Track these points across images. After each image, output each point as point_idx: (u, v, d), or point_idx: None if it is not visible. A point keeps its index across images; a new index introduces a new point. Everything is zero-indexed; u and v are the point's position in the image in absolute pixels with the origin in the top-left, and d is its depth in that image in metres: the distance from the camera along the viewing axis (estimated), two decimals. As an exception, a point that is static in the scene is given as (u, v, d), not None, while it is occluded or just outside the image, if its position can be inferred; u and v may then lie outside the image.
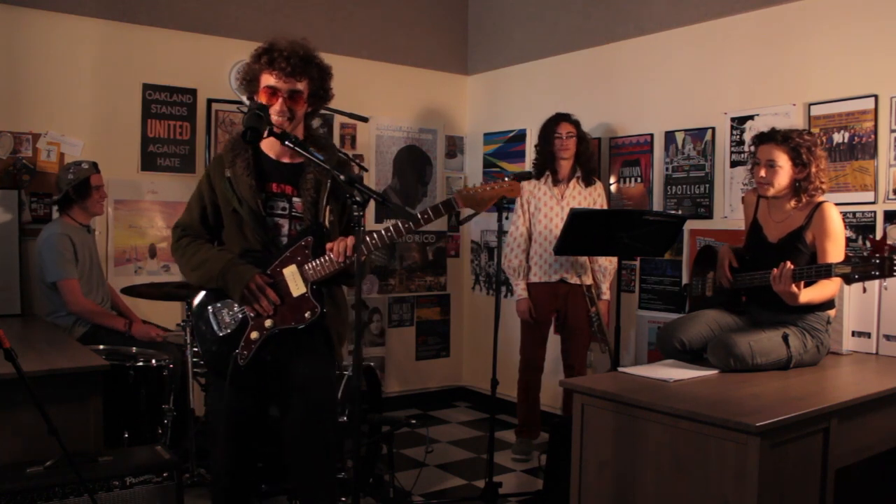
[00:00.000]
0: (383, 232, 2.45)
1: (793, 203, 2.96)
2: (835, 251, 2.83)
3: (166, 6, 4.49)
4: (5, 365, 2.20)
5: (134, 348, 3.58)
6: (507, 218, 4.20)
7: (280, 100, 2.44)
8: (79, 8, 4.24)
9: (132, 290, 3.84)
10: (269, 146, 2.56)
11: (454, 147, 5.79)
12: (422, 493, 3.74)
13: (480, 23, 5.70)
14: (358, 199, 2.30)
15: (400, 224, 2.42)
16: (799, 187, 2.92)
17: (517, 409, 4.51)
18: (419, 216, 2.43)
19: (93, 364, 2.78)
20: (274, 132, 2.38)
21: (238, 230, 2.50)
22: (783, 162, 2.90)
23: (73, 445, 2.36)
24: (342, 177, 2.33)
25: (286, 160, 2.56)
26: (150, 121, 4.48)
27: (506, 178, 2.59)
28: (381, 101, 5.32)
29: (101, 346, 3.48)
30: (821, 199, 2.95)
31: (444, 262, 5.74)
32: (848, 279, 2.62)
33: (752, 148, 3.03)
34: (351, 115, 4.20)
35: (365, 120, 4.35)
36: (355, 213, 2.31)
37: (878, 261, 2.52)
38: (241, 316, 2.47)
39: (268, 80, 2.46)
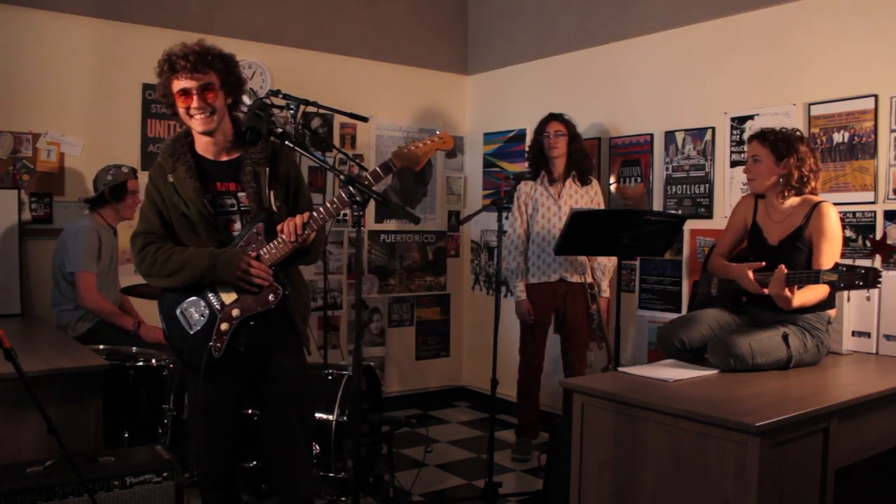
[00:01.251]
0: (328, 204, 2.45)
1: (785, 200, 2.99)
2: (829, 251, 2.84)
3: (166, 6, 4.49)
4: (5, 365, 2.20)
5: (134, 348, 3.58)
6: (506, 218, 4.20)
7: (195, 96, 2.44)
8: (79, 8, 4.24)
9: (132, 290, 3.86)
10: (203, 147, 2.56)
11: (454, 147, 5.79)
12: (422, 493, 3.75)
13: (480, 23, 5.70)
14: (358, 198, 2.30)
15: (343, 194, 2.41)
16: (785, 182, 2.97)
17: (517, 409, 4.51)
18: (367, 182, 2.42)
19: (93, 364, 2.78)
20: (274, 132, 2.39)
21: (191, 233, 2.52)
22: (763, 156, 2.99)
23: (73, 445, 2.36)
24: (343, 176, 2.34)
25: (224, 158, 2.57)
26: (150, 121, 4.48)
27: (435, 134, 2.58)
28: (381, 101, 5.32)
29: (102, 346, 3.48)
30: (819, 198, 2.96)
31: (444, 262, 5.74)
32: (834, 286, 2.67)
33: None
34: (351, 115, 4.20)
35: (365, 120, 4.36)
36: (355, 213, 2.31)
37: (863, 272, 2.58)
38: (208, 311, 2.50)
39: (177, 84, 2.45)
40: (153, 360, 3.43)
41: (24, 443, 2.56)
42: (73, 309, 3.74)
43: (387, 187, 5.41)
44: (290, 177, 2.61)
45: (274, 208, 2.53)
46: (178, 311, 2.54)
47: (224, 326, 2.48)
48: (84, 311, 3.73)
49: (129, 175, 3.86)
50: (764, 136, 3.01)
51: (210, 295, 2.51)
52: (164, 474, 2.49)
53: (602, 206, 4.41)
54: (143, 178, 4.28)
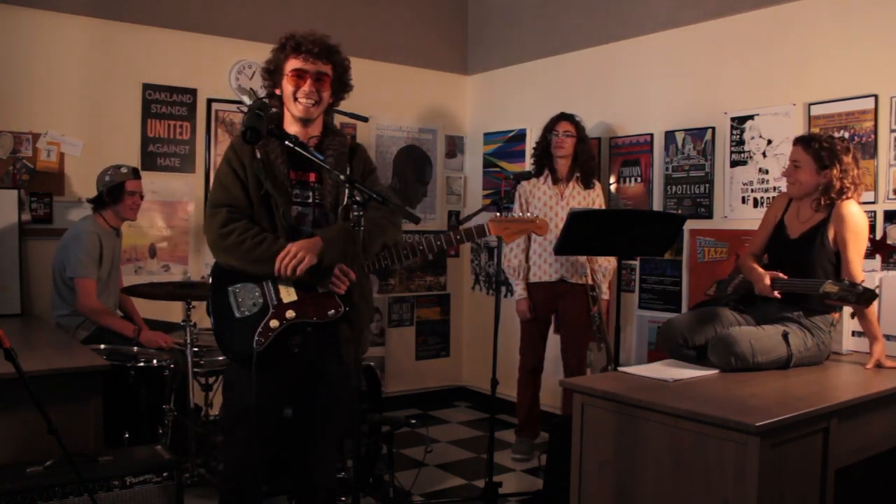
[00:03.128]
0: (425, 243, 2.49)
1: (820, 207, 2.99)
2: (856, 248, 2.87)
3: (166, 6, 4.49)
4: (5, 365, 2.20)
5: (135, 348, 3.58)
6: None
7: (308, 81, 2.41)
8: (79, 7, 4.24)
9: (132, 290, 3.84)
10: (292, 132, 2.47)
11: (454, 147, 5.79)
12: (422, 493, 3.75)
13: (480, 23, 5.70)
14: (358, 198, 2.29)
15: (427, 245, 2.49)
16: (824, 190, 2.95)
17: (517, 409, 4.51)
18: (453, 237, 2.51)
19: (93, 364, 2.79)
20: (273, 132, 2.36)
21: (265, 214, 2.43)
22: (805, 163, 2.96)
23: (73, 445, 2.35)
24: (342, 176, 2.32)
25: (310, 146, 2.50)
26: (150, 121, 4.48)
27: (537, 218, 2.70)
28: (381, 101, 5.32)
29: (102, 346, 3.48)
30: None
31: (444, 262, 5.74)
32: (829, 296, 2.71)
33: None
34: (351, 115, 4.20)
35: (365, 120, 4.35)
36: (355, 213, 2.30)
37: (861, 291, 2.64)
38: (262, 300, 2.41)
39: (294, 63, 2.42)
40: (154, 361, 3.43)
41: (24, 443, 2.56)
42: (71, 314, 3.74)
43: (387, 187, 5.41)
44: (365, 177, 2.57)
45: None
46: (230, 290, 2.42)
47: (274, 324, 2.38)
48: (83, 318, 3.72)
49: (127, 175, 3.83)
50: (808, 143, 2.96)
51: (269, 286, 2.41)
52: (164, 474, 2.49)
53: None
54: (146, 177, 4.33)
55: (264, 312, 2.40)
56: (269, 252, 2.35)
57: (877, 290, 2.71)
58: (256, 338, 2.36)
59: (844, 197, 2.94)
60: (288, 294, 2.42)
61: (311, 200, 2.48)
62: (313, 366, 2.49)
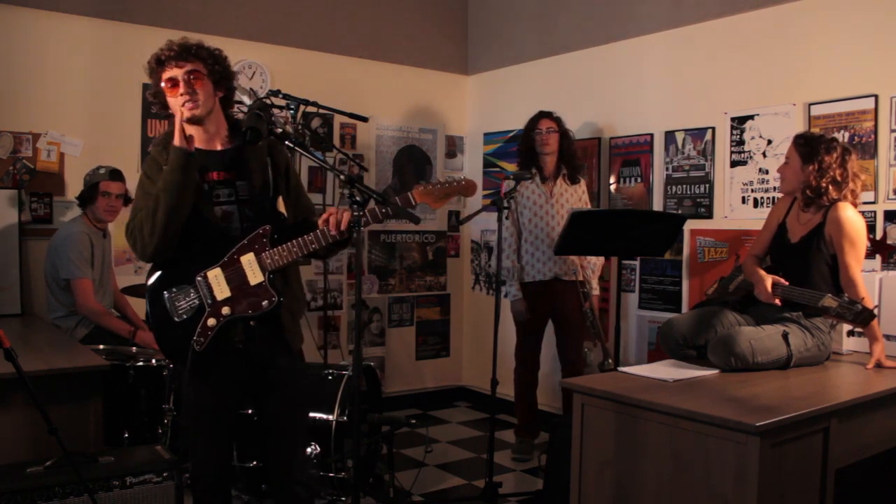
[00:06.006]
0: (378, 209, 2.42)
1: (807, 208, 2.99)
2: (854, 253, 2.87)
3: (166, 6, 4.49)
4: (5, 365, 2.20)
5: (134, 348, 3.58)
6: (506, 218, 4.20)
7: (181, 84, 2.42)
8: (79, 8, 4.24)
9: (132, 290, 3.85)
10: (196, 137, 2.50)
11: (454, 147, 5.79)
12: (422, 493, 3.75)
13: (480, 23, 5.70)
14: (358, 198, 2.29)
15: (398, 201, 2.42)
16: (804, 188, 2.96)
17: (516, 409, 4.51)
18: (387, 209, 2.42)
19: (93, 364, 2.78)
20: (273, 132, 2.37)
21: (194, 218, 2.45)
22: (792, 159, 3.01)
23: (73, 445, 2.35)
24: (342, 176, 2.33)
25: (219, 147, 2.53)
26: (150, 121, 4.48)
27: (463, 178, 2.59)
28: (381, 101, 5.32)
29: (102, 346, 3.48)
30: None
31: (444, 262, 5.74)
32: (826, 311, 2.73)
33: None
34: (351, 115, 4.20)
35: (365, 120, 4.36)
36: (355, 214, 2.31)
37: (859, 309, 2.66)
38: (197, 303, 2.45)
39: (164, 75, 2.44)
40: (153, 360, 3.43)
41: (24, 443, 2.55)
42: (66, 315, 3.73)
43: (387, 187, 5.41)
44: (289, 169, 2.58)
45: (283, 211, 2.49)
46: (165, 294, 2.47)
47: (211, 322, 2.43)
48: (80, 316, 3.72)
49: (103, 176, 3.78)
50: (796, 139, 3.01)
51: (202, 287, 2.45)
52: (164, 474, 2.49)
53: (588, 206, 4.41)
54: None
55: (201, 313, 2.44)
56: (165, 180, 2.34)
57: (875, 311, 2.74)
58: (195, 338, 2.41)
59: (826, 198, 2.92)
60: (221, 291, 2.45)
61: (233, 197, 2.49)
62: (263, 360, 2.53)
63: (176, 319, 2.46)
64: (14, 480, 2.27)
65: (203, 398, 2.50)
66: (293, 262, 2.48)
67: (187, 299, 2.46)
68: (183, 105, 2.42)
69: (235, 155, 2.51)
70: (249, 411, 3.27)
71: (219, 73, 2.50)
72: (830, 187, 2.90)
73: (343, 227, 2.39)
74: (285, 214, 2.52)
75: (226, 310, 2.43)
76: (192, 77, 2.42)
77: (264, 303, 2.43)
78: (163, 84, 2.44)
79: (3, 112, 4.05)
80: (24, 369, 2.22)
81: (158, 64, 2.44)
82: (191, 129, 2.47)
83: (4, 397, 2.52)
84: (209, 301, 2.45)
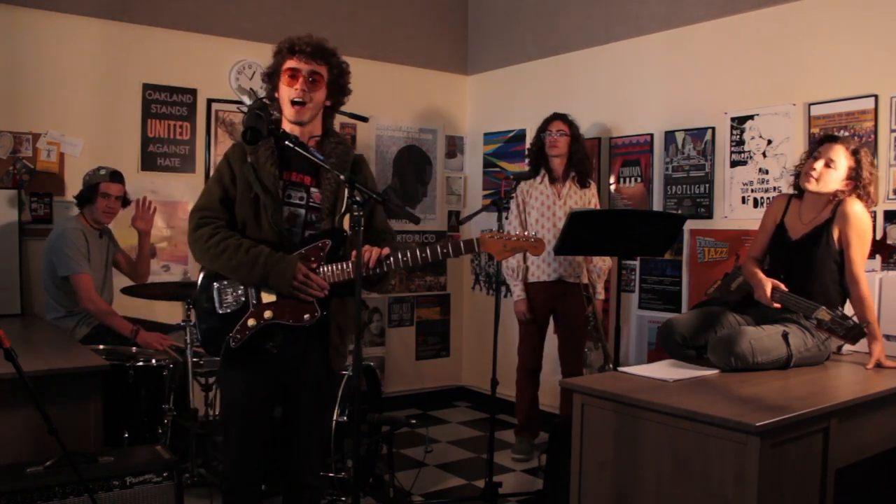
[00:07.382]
0: (418, 252, 2.43)
1: (824, 205, 2.99)
2: (860, 248, 2.88)
3: (166, 6, 4.49)
4: (5, 365, 2.20)
5: (134, 348, 3.58)
6: (506, 218, 4.20)
7: (300, 79, 2.44)
8: (79, 8, 4.24)
9: (132, 290, 3.84)
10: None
11: (454, 147, 5.79)
12: (422, 493, 3.75)
13: (480, 23, 5.70)
14: (358, 199, 2.29)
15: (439, 249, 2.44)
16: (837, 194, 2.95)
17: (516, 409, 4.51)
18: (439, 250, 2.45)
19: (93, 364, 2.78)
20: (273, 132, 2.37)
21: (254, 217, 2.46)
22: (841, 168, 2.92)
23: (73, 445, 2.36)
24: (342, 176, 2.33)
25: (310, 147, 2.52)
26: (150, 121, 4.48)
27: (534, 236, 2.56)
28: (381, 101, 5.32)
29: (102, 346, 3.47)
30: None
31: (444, 262, 5.74)
32: (819, 324, 2.77)
33: (815, 145, 3.06)
34: (351, 115, 4.19)
35: (365, 120, 4.35)
36: (355, 214, 2.31)
37: (850, 325, 2.71)
38: (243, 299, 2.45)
39: (289, 63, 2.46)
40: (153, 360, 3.43)
41: (24, 443, 2.56)
42: (65, 316, 3.72)
43: (387, 187, 5.42)
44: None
45: (347, 230, 2.47)
46: (215, 285, 2.48)
47: (251, 322, 2.43)
48: (80, 315, 3.71)
49: (103, 178, 3.78)
50: (855, 153, 2.93)
51: (251, 286, 2.46)
52: (164, 474, 2.49)
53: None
54: (146, 178, 4.34)
55: (245, 310, 2.45)
56: (231, 263, 2.40)
57: (865, 330, 2.76)
58: (232, 334, 2.42)
59: (847, 195, 2.94)
60: (269, 294, 2.46)
61: (304, 202, 2.50)
62: (296, 368, 2.52)
63: (220, 311, 2.46)
64: (14, 480, 2.27)
65: (236, 393, 2.50)
66: (345, 282, 2.45)
67: (235, 294, 2.46)
68: (290, 103, 2.45)
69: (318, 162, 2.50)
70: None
71: (337, 86, 2.54)
72: (862, 191, 2.93)
73: (372, 264, 2.41)
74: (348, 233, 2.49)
75: (268, 314, 2.44)
76: (312, 78, 2.46)
77: (306, 316, 2.44)
78: (284, 68, 2.46)
79: (3, 112, 4.06)
80: (24, 369, 2.22)
81: (290, 50, 2.47)
82: (288, 128, 2.48)
83: (4, 397, 2.52)
84: (254, 301, 2.45)
